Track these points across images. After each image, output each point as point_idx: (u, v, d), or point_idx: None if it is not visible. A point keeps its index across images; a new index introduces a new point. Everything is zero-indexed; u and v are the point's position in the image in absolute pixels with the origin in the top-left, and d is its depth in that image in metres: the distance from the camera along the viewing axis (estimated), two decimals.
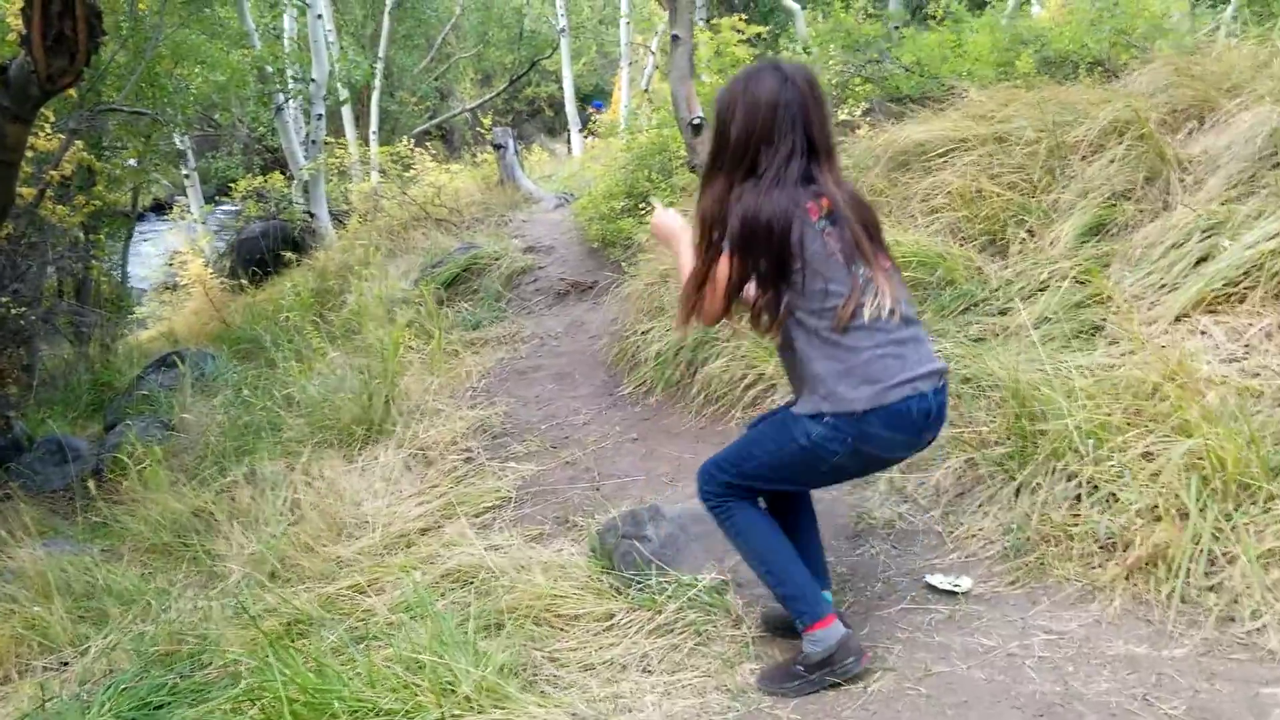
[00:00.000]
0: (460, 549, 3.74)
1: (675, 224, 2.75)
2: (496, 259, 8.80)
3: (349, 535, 4.40)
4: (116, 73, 11.47)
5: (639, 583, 3.21)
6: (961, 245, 4.83)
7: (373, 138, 19.63)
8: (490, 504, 4.27)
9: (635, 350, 5.34)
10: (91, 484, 6.76)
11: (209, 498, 5.34)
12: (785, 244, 2.33)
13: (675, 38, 6.58)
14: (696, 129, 6.61)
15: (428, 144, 25.01)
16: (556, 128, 29.14)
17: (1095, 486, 3.21)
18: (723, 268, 2.41)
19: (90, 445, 8.90)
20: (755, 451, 2.60)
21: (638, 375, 5.16)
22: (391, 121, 22.90)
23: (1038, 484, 3.29)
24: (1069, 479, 3.27)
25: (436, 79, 26.65)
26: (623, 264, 7.23)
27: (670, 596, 3.11)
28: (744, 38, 8.55)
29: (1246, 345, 3.84)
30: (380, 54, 20.36)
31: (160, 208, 19.88)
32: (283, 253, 13.04)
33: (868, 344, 2.39)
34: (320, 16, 13.48)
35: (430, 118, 25.73)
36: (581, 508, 4.02)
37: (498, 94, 27.34)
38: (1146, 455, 3.24)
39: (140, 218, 20.30)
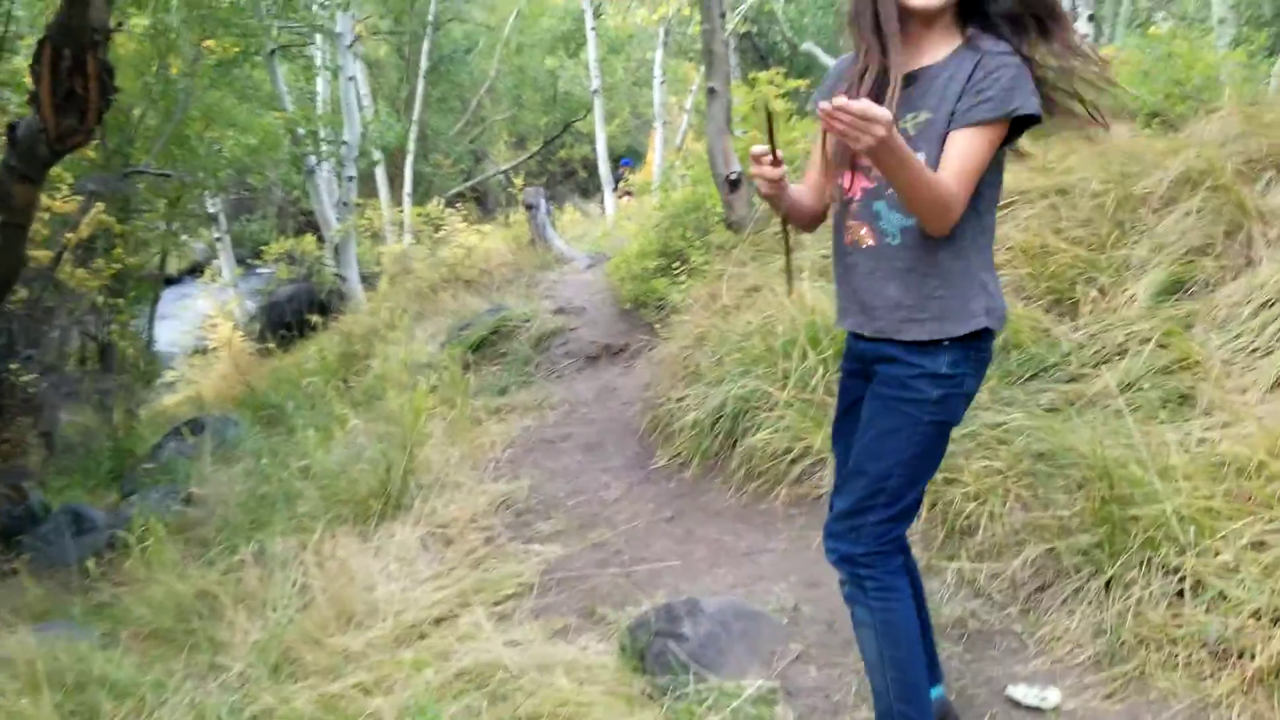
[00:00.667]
0: (476, 643, 3.35)
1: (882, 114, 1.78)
2: (526, 321, 8.49)
3: (359, 624, 4.02)
4: (145, 134, 11.41)
5: (675, 690, 2.82)
6: (1026, 305, 4.45)
7: (406, 200, 19.54)
8: (511, 591, 3.88)
9: (670, 418, 4.97)
10: (93, 562, 6.42)
11: (215, 578, 5.00)
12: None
13: (712, 90, 6.30)
14: (734, 184, 6.30)
15: (460, 206, 25.11)
16: (590, 189, 29.05)
17: (1199, 582, 2.79)
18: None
19: (107, 515, 8.60)
20: (891, 455, 2.10)
21: (672, 446, 4.78)
22: (426, 184, 22.89)
23: (1131, 578, 2.87)
24: (1168, 573, 2.86)
25: (471, 141, 26.72)
26: (656, 326, 6.89)
27: (710, 707, 2.71)
28: (782, 91, 8.26)
29: None
30: (414, 117, 20.36)
31: (195, 271, 19.85)
32: (311, 316, 12.85)
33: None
34: (353, 79, 13.42)
35: (465, 179, 25.74)
36: (610, 597, 3.63)
37: (531, 155, 27.37)
38: (1258, 545, 2.82)
39: (174, 281, 20.35)
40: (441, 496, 5.03)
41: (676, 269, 7.19)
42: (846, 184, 2.12)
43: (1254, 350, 3.80)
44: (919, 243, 2.02)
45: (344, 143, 13.18)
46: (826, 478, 3.95)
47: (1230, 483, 2.96)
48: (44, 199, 7.09)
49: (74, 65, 5.36)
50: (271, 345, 12.98)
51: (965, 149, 1.93)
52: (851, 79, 2.07)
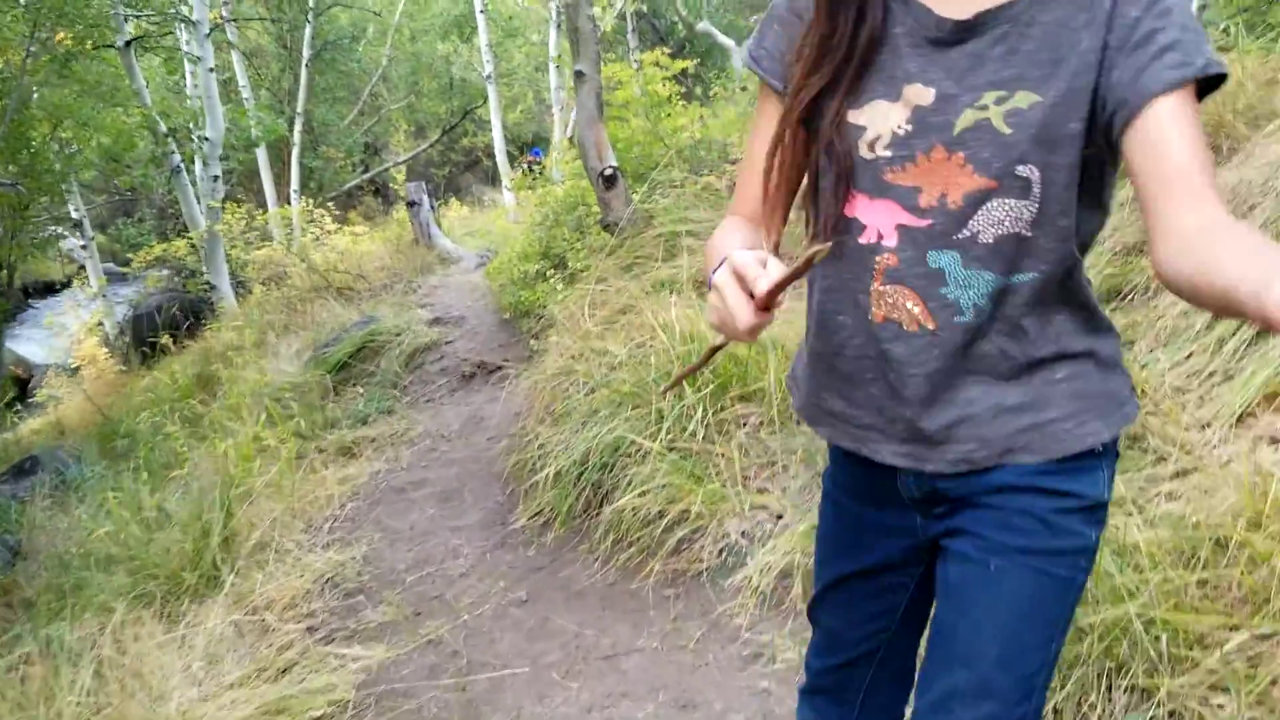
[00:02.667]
0: None
1: None
2: (397, 335, 7.64)
3: None
4: None
5: None
6: None
7: (294, 197, 18.40)
8: (320, 712, 3.09)
9: (534, 463, 4.20)
10: None
11: None
12: None
13: (579, 74, 5.52)
14: (609, 181, 5.54)
15: (359, 202, 23.92)
16: (497, 177, 28.05)
17: (1176, 714, 2.12)
18: None
19: None
20: (1040, 643, 1.28)
21: (535, 500, 4.01)
22: (317, 179, 21.72)
23: (1091, 706, 2.18)
24: (1138, 695, 2.18)
25: (366, 132, 25.54)
26: (535, 339, 6.11)
27: None
28: (669, 74, 7.51)
29: None
30: (299, 109, 19.21)
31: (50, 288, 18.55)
32: (181, 327, 11.80)
33: None
34: (213, 70, 12.31)
35: (362, 172, 24.59)
36: None
37: (430, 145, 26.32)
38: (1251, 659, 2.16)
39: (58, 290, 18.92)
40: (265, 568, 4.21)
41: (555, 275, 6.42)
42: (854, 215, 1.26)
43: (1210, 374, 3.16)
44: (1025, 310, 1.22)
45: (206, 139, 12.10)
46: (706, 549, 3.22)
47: (1209, 569, 2.29)
48: None
49: None
50: (137, 362, 11.90)
51: (1188, 122, 1.05)
52: (808, 37, 1.24)
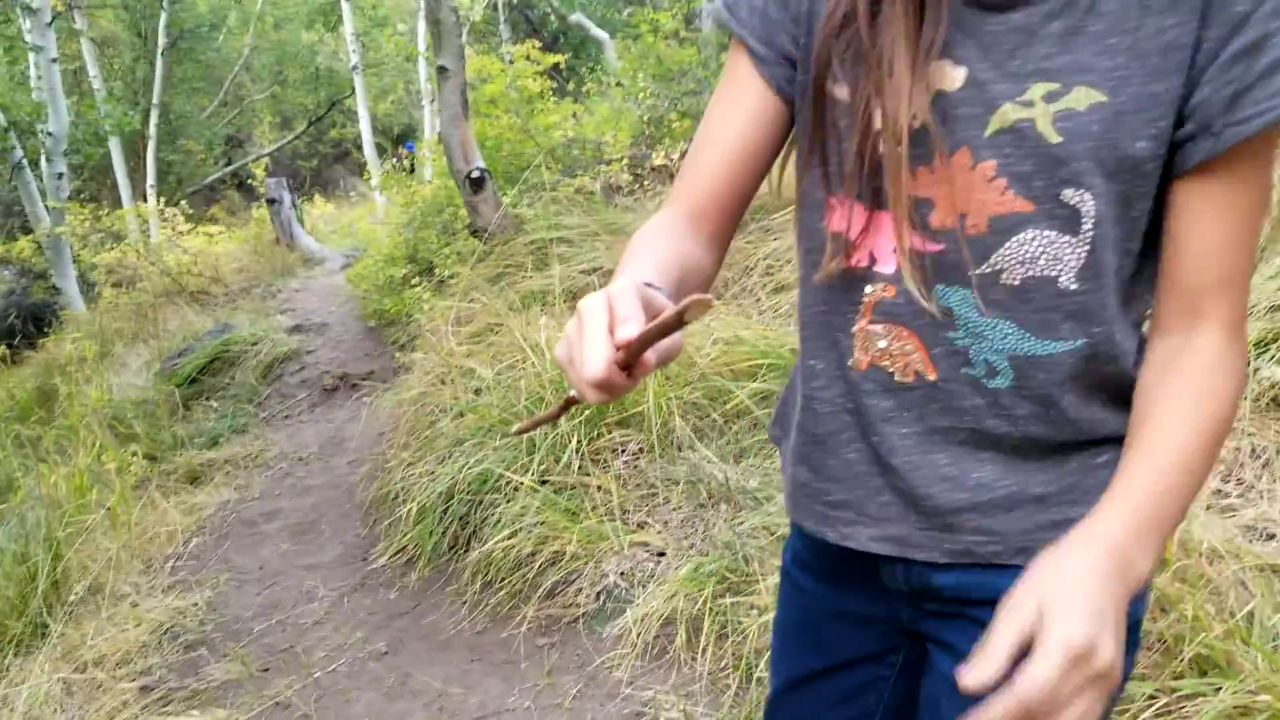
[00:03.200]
0: None
1: None
2: (254, 344, 7.19)
3: None
4: None
5: None
6: None
7: (150, 193, 17.43)
8: None
9: (396, 495, 3.88)
10: None
11: None
12: None
13: (442, 70, 5.19)
14: (476, 183, 5.23)
15: (222, 197, 22.87)
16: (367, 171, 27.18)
17: None
18: None
19: None
20: None
21: (397, 537, 3.69)
22: (176, 174, 20.69)
23: None
24: None
25: (229, 124, 24.47)
26: (401, 351, 5.77)
27: None
28: (541, 68, 7.22)
29: (1239, 481, 2.69)
30: (155, 100, 18.21)
31: None
32: (24, 335, 11.00)
33: None
34: (55, 60, 11.47)
35: (225, 165, 23.55)
36: None
37: (295, 137, 25.37)
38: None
39: None
40: (98, 616, 3.79)
41: (420, 282, 6.07)
42: (851, 233, 0.98)
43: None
44: (1060, 386, 0.94)
45: (49, 134, 11.27)
46: (584, 592, 2.97)
47: None
48: None
49: None
50: None
51: (1254, 183, 0.85)
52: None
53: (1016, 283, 0.90)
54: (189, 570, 4.07)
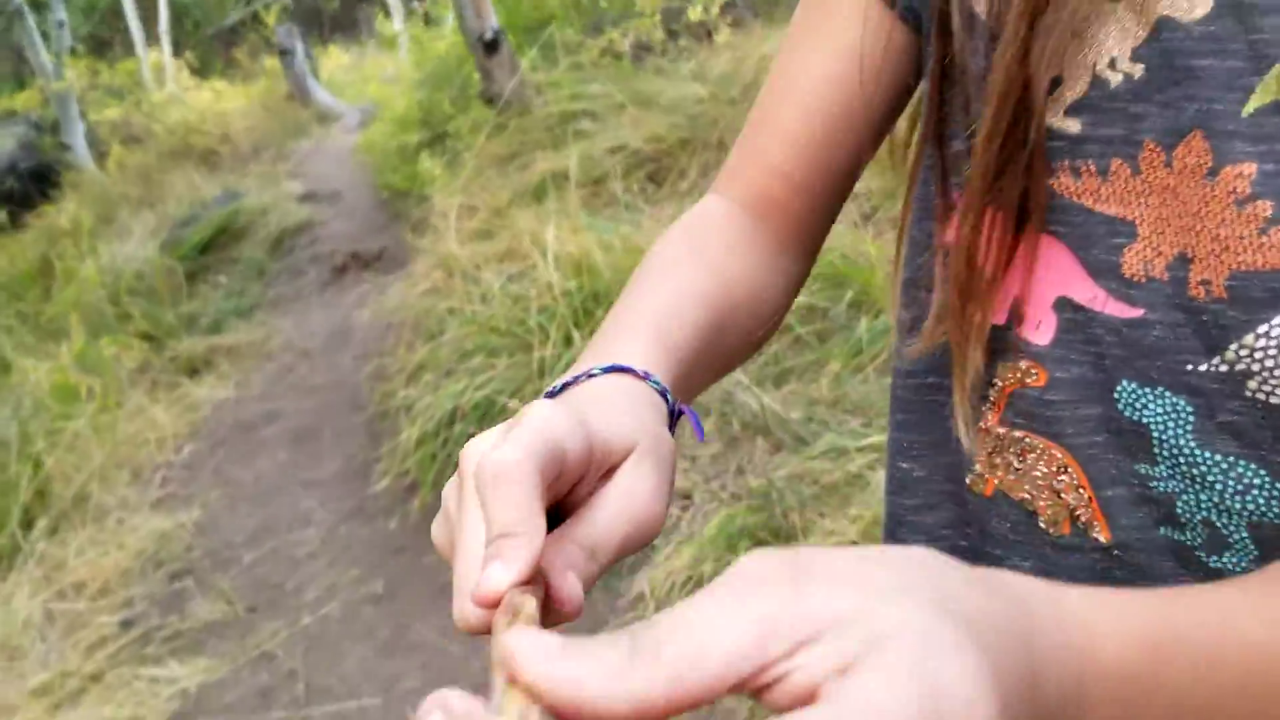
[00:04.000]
0: None
1: None
2: (264, 214, 6.79)
3: None
4: None
5: None
6: (881, 238, 3.13)
7: (163, 39, 16.73)
8: None
9: (401, 406, 3.53)
10: None
11: None
12: None
13: None
14: (490, 46, 4.70)
15: (242, 40, 22.03)
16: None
17: None
18: None
19: None
20: None
21: (398, 457, 3.35)
22: (192, 18, 19.88)
23: None
24: None
25: None
26: (414, 227, 5.34)
27: None
28: None
29: None
30: None
31: None
32: (31, 193, 10.63)
33: None
34: None
35: (245, 6, 22.64)
36: None
37: None
38: None
39: None
40: (84, 530, 3.53)
41: (434, 151, 5.60)
42: (984, 261, 0.53)
43: None
44: None
45: None
46: None
47: None
48: None
49: None
50: None
51: None
52: None
53: (1276, 399, 0.47)
54: (179, 483, 3.78)
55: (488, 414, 2.93)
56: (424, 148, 6.02)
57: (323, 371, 4.49)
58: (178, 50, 16.43)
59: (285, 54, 10.02)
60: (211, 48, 20.57)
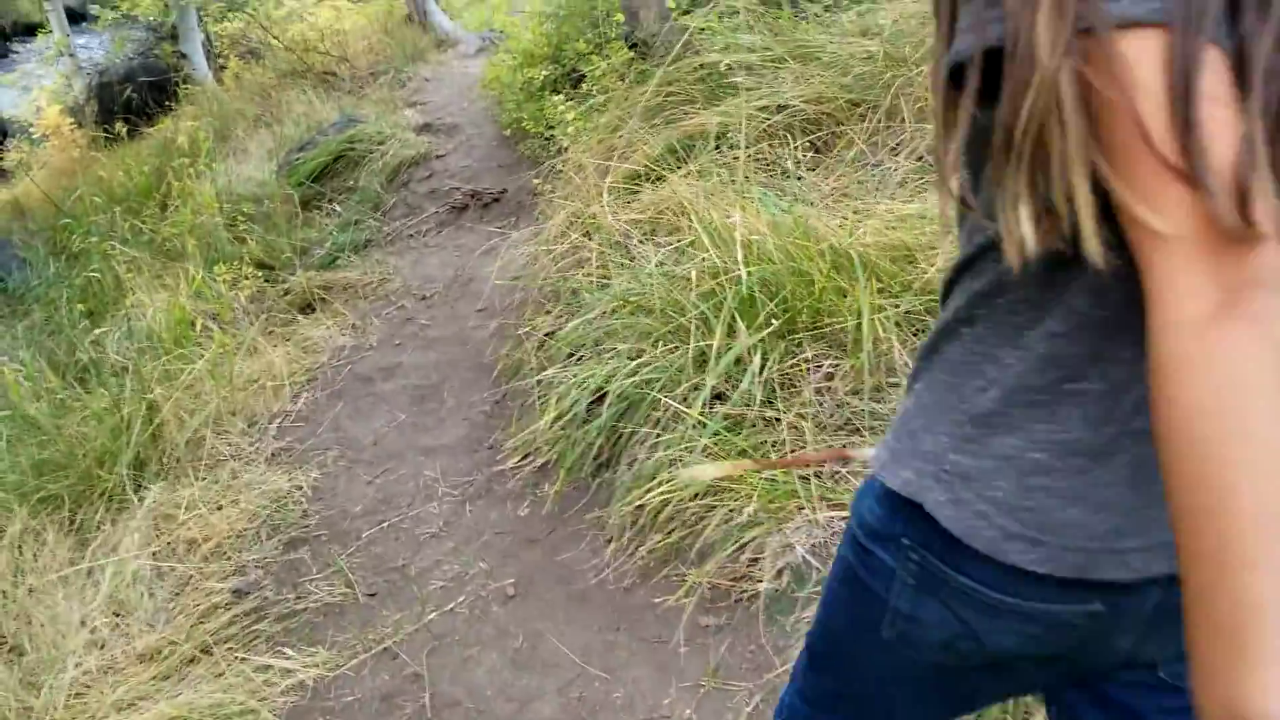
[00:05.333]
0: None
1: None
2: (381, 143, 6.58)
3: None
4: None
5: None
6: None
7: None
8: None
9: (531, 374, 3.29)
10: None
11: None
12: None
13: None
14: None
15: None
16: None
17: None
18: None
19: None
20: None
21: (529, 433, 3.11)
22: None
23: None
24: None
25: None
26: (541, 170, 5.07)
27: None
28: None
29: None
30: None
31: (32, 30, 16.72)
32: (149, 102, 10.62)
33: None
34: None
35: None
36: None
37: None
38: None
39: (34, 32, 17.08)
40: (195, 484, 3.38)
41: (567, 90, 5.30)
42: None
43: None
44: None
45: None
46: (763, 566, 2.35)
47: None
48: None
49: None
50: (102, 140, 10.73)
51: None
52: None
53: None
54: (295, 436, 3.60)
55: (636, 406, 2.67)
56: (553, 87, 5.72)
57: (443, 323, 4.27)
58: None
59: None
60: None
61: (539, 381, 3.15)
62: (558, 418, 2.90)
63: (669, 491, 2.44)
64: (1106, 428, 0.75)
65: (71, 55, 13.61)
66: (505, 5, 10.11)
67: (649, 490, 2.53)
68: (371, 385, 3.87)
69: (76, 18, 15.22)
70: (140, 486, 3.48)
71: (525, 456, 3.08)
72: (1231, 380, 0.55)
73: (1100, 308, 0.71)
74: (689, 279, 2.78)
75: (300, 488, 3.24)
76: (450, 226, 5.43)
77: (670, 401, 2.52)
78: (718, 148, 3.67)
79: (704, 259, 2.78)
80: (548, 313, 3.57)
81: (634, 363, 2.73)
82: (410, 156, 6.42)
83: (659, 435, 2.54)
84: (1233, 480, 0.55)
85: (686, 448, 2.46)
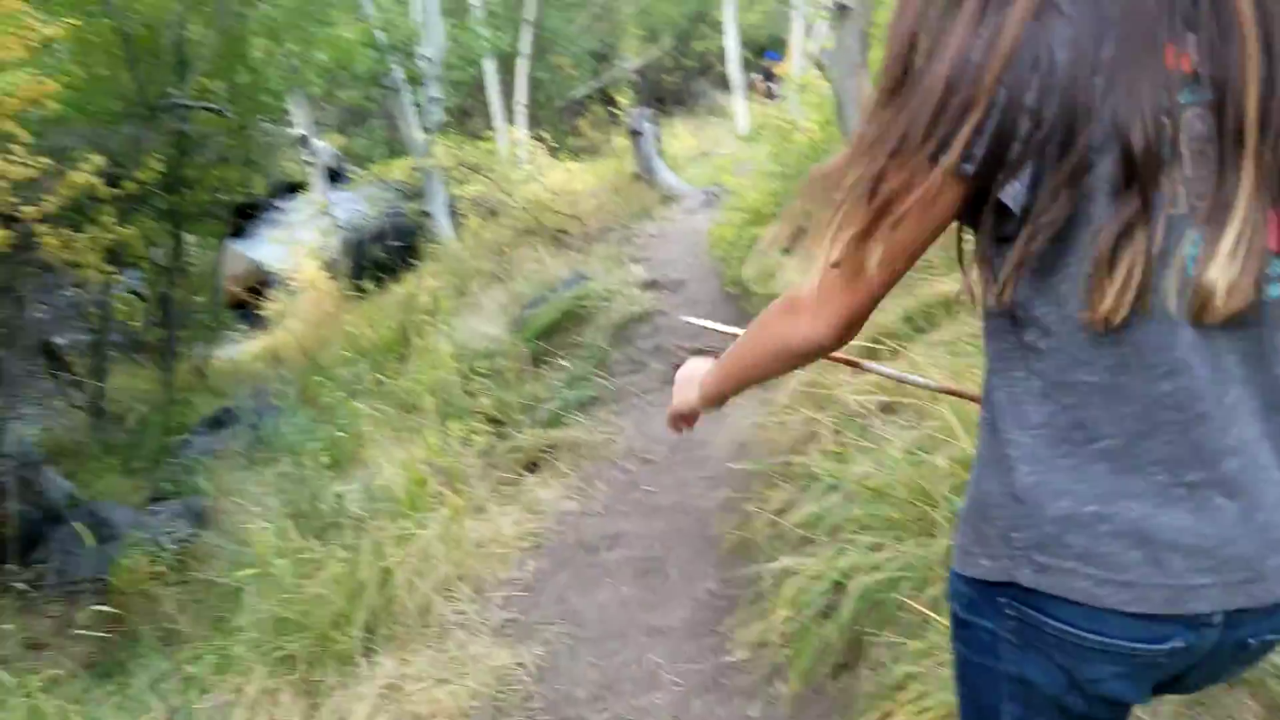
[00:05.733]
0: None
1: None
2: (607, 300, 6.71)
3: None
4: (198, 56, 9.90)
5: None
6: None
7: (518, 110, 17.67)
8: None
9: (762, 557, 3.14)
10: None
11: None
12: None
13: (842, 7, 4.25)
14: None
15: (588, 111, 23.04)
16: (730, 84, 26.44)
17: None
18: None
19: (132, 515, 7.37)
20: None
21: (759, 622, 2.95)
22: (544, 91, 20.95)
23: None
24: None
25: (596, 39, 24.55)
26: None
27: None
28: None
29: None
30: (529, 18, 18.35)
31: (295, 189, 18.35)
32: (397, 258, 11.39)
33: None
34: None
35: (592, 80, 23.70)
36: None
37: (661, 52, 25.13)
38: None
39: (289, 191, 18.73)
40: (422, 654, 3.38)
41: (790, 250, 5.26)
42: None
43: None
44: None
45: (425, 57, 11.41)
46: None
47: None
48: None
49: None
50: (354, 291, 11.53)
51: None
52: None
53: None
54: (520, 607, 3.56)
55: (881, 607, 2.47)
56: (778, 245, 5.71)
57: (669, 490, 4.20)
58: (533, 122, 17.27)
59: (635, 134, 10.15)
60: (560, 118, 21.60)
61: (767, 565, 3.00)
62: (792, 610, 2.73)
63: (918, 711, 2.21)
64: (1156, 475, 0.89)
65: (329, 214, 14.81)
66: (730, 163, 10.36)
67: (894, 703, 2.31)
68: (595, 554, 3.82)
69: (333, 176, 16.61)
70: (370, 650, 3.52)
71: (757, 649, 2.91)
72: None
73: (1072, 369, 0.91)
74: (939, 467, 2.59)
75: (524, 665, 3.17)
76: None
77: (919, 607, 2.31)
78: (956, 314, 3.50)
79: (958, 446, 2.59)
80: (777, 488, 3.43)
81: (876, 555, 2.54)
82: (635, 313, 6.51)
83: (905, 642, 2.33)
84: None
85: (937, 660, 2.24)
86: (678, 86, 26.51)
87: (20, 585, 6.08)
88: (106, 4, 8.14)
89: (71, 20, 6.54)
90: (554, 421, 5.29)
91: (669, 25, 25.70)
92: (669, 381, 5.40)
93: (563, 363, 6.28)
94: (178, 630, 4.67)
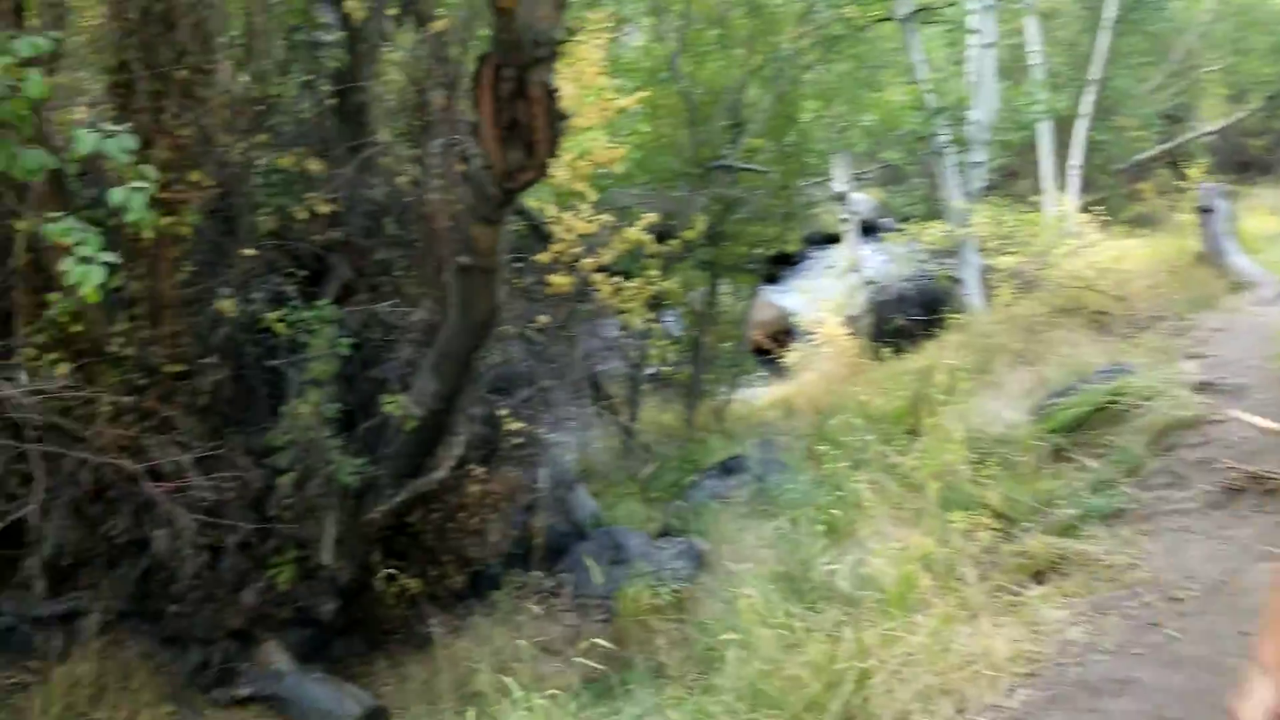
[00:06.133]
0: None
1: None
2: (1148, 398, 6.03)
3: None
4: (753, 118, 10.51)
5: None
6: None
7: (1071, 174, 16.65)
8: None
9: None
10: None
11: None
12: None
13: None
14: None
15: (1152, 175, 21.20)
16: None
17: None
18: None
19: (641, 544, 7.94)
20: None
21: None
22: (1103, 154, 19.60)
23: None
24: None
25: (1172, 97, 22.52)
26: None
27: None
28: None
29: None
30: (1094, 77, 17.29)
31: (830, 240, 18.75)
32: (921, 325, 11.23)
33: None
34: (991, 45, 11.26)
35: (1160, 143, 21.76)
36: None
37: (1248, 114, 22.46)
38: None
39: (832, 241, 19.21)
40: None
41: None
42: None
43: None
44: None
45: (974, 121, 11.15)
46: None
47: None
48: (567, 219, 6.32)
49: (516, 90, 4.31)
50: (871, 354, 11.58)
51: None
52: None
53: None
54: None
55: None
56: None
57: (1196, 639, 3.62)
58: (1086, 187, 16.21)
59: (1205, 211, 9.11)
60: (1118, 183, 20.11)
61: None
62: None
63: None
64: None
65: (858, 271, 15.01)
66: None
67: None
68: (1098, 698, 3.38)
69: (868, 229, 16.78)
70: None
71: None
72: None
73: None
74: None
75: None
76: (1222, 511, 4.71)
77: None
78: None
79: None
80: None
81: None
82: (1182, 417, 5.77)
83: None
84: None
85: None
86: (1264, 153, 23.52)
87: (542, 593, 6.78)
88: (675, 74, 8.90)
89: (645, 91, 7.22)
90: (1068, 530, 4.83)
91: (1259, 84, 22.94)
92: (1215, 505, 4.72)
93: (1088, 464, 5.73)
94: (665, 665, 4.89)
